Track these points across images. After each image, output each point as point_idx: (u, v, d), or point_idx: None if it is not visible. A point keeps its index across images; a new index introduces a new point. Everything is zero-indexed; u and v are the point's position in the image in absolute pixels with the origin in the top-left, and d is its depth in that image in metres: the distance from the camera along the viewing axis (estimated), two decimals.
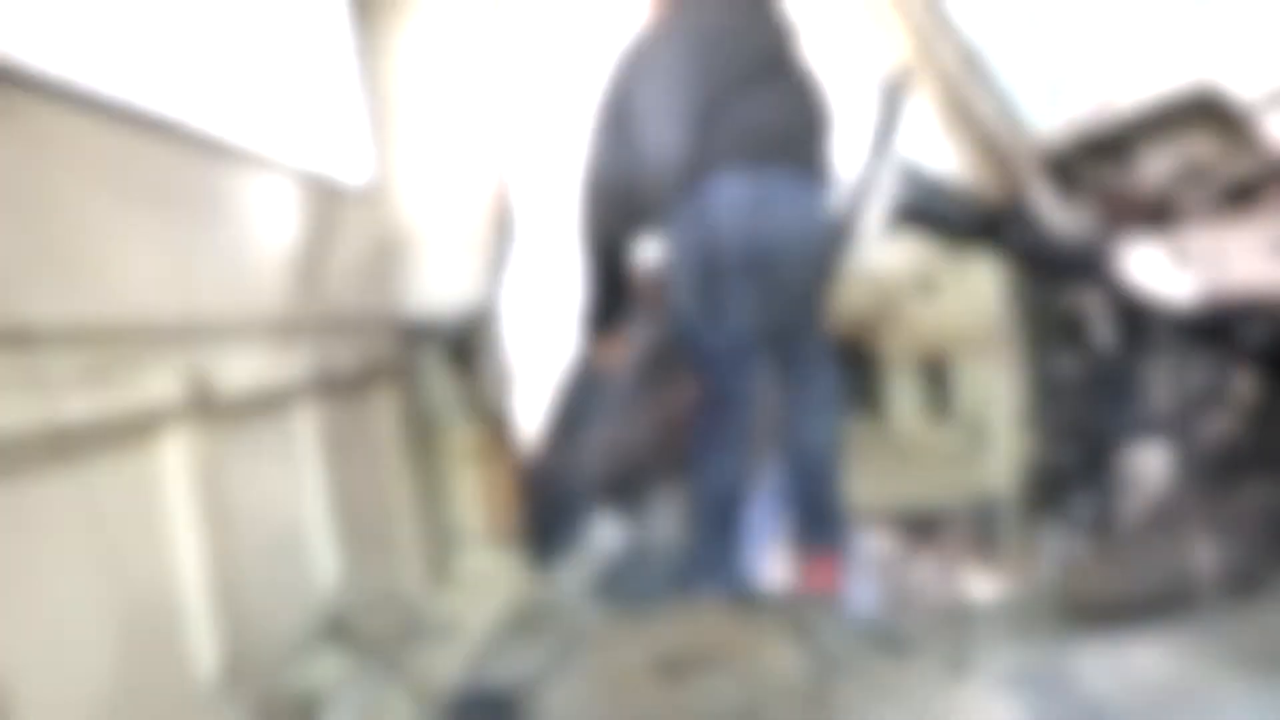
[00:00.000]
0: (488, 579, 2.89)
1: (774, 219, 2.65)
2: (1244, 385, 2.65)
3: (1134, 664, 1.63)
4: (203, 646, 1.63)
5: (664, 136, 2.72)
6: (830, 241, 2.71)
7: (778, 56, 2.75)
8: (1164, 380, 2.08)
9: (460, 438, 3.10)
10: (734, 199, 2.63)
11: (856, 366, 3.93)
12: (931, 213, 2.27)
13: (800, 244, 2.69)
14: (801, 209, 2.66)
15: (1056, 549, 2.80)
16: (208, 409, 1.70)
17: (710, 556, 3.00)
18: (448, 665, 2.11)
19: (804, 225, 2.67)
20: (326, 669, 2.00)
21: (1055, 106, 2.90)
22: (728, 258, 2.69)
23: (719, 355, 2.87)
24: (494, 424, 3.06)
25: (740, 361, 2.88)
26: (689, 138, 2.68)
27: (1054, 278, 2.66)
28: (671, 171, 2.70)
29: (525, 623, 2.73)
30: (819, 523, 2.93)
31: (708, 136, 2.66)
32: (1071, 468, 2.78)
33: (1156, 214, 2.41)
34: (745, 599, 2.72)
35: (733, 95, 2.69)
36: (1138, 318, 2.32)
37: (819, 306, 2.85)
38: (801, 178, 2.65)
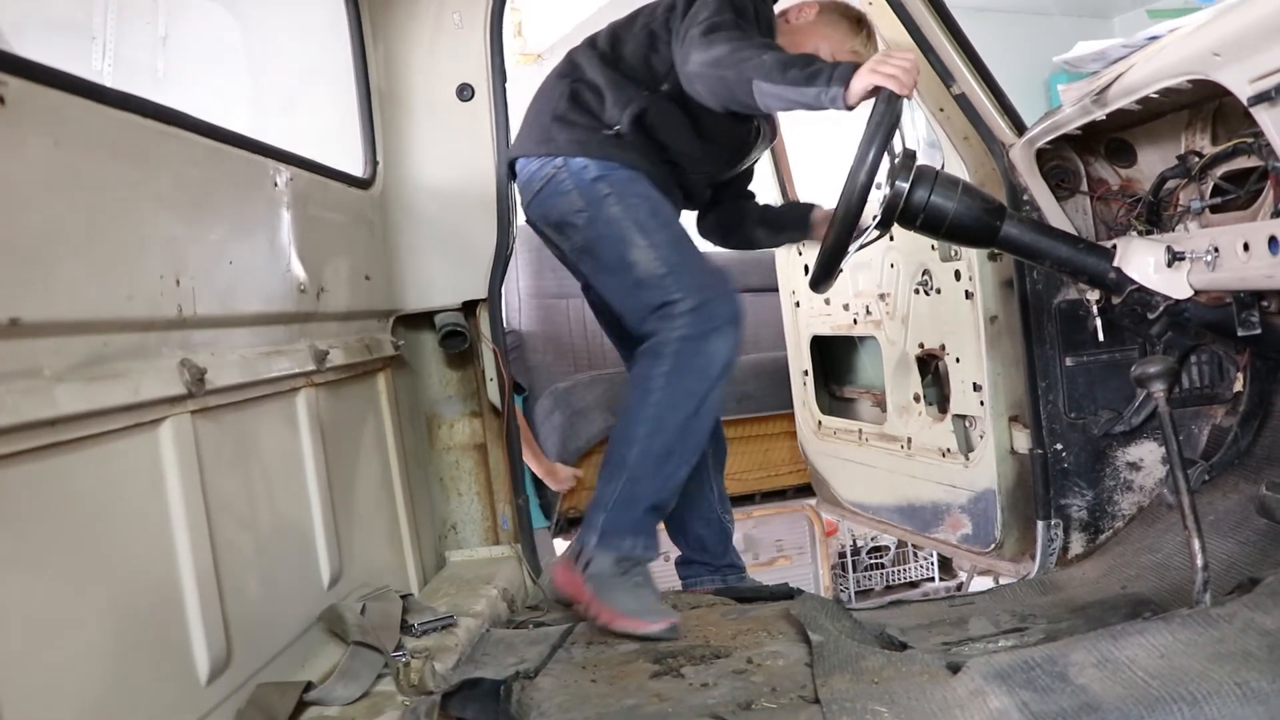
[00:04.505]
0: (484, 571, 2.90)
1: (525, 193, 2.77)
2: (1240, 382, 2.66)
3: (1127, 660, 1.63)
4: (198, 639, 1.63)
5: None
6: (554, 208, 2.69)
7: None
8: (1160, 376, 2.08)
9: (459, 430, 3.11)
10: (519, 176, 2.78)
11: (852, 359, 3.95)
12: (931, 206, 2.26)
13: (536, 216, 2.78)
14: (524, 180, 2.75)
15: (1052, 544, 2.80)
16: (206, 401, 1.71)
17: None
18: (442, 658, 2.11)
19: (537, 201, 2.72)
20: (322, 661, 2.01)
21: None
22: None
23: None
24: (493, 417, 3.07)
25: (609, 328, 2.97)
26: None
27: (1050, 272, 2.66)
28: None
29: (520, 615, 2.74)
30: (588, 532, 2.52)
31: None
32: (1068, 463, 2.78)
33: (1153, 209, 2.42)
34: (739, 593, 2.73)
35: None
36: (1135, 314, 2.32)
37: (609, 277, 2.68)
38: (530, 156, 2.72)
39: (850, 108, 2.25)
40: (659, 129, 2.65)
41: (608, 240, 2.60)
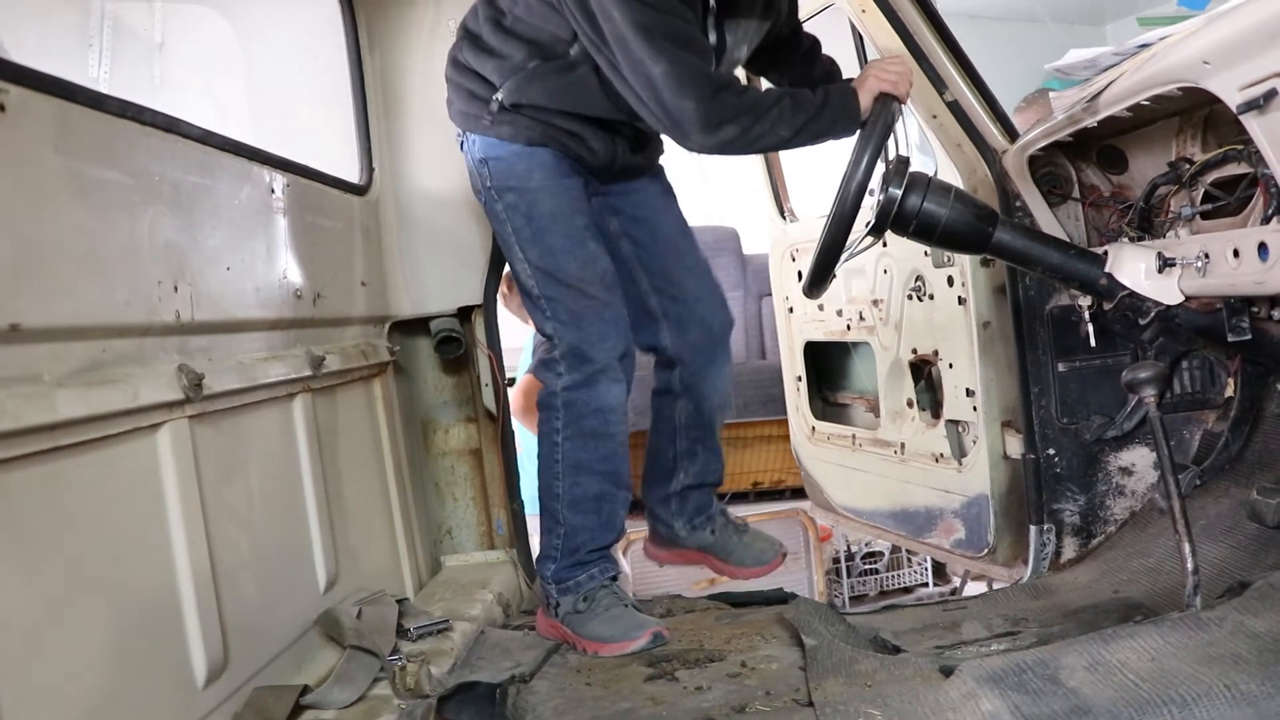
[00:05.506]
0: (479, 575, 2.90)
1: None
2: (1231, 387, 2.67)
3: (1119, 663, 1.64)
4: (196, 643, 1.64)
5: None
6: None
7: None
8: (1151, 381, 2.10)
9: (454, 435, 3.12)
10: None
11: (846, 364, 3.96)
12: (924, 212, 2.27)
13: None
14: None
15: (1044, 549, 2.81)
16: (203, 406, 1.71)
17: None
18: (438, 661, 2.12)
19: None
20: (318, 665, 2.02)
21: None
22: None
23: None
24: (488, 422, 3.08)
25: None
26: None
27: (1043, 278, 2.67)
28: None
29: (515, 619, 2.74)
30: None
31: None
32: (1060, 468, 2.79)
33: (1145, 215, 2.43)
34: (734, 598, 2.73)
35: None
36: (1127, 319, 2.34)
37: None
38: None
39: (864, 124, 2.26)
40: (560, 99, 2.31)
41: (500, 237, 2.45)
